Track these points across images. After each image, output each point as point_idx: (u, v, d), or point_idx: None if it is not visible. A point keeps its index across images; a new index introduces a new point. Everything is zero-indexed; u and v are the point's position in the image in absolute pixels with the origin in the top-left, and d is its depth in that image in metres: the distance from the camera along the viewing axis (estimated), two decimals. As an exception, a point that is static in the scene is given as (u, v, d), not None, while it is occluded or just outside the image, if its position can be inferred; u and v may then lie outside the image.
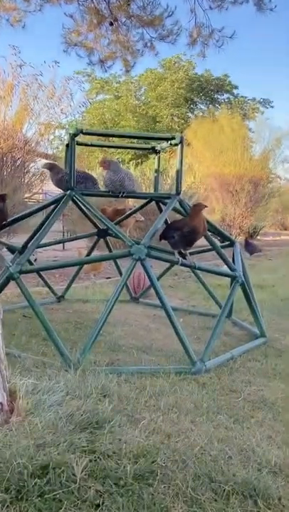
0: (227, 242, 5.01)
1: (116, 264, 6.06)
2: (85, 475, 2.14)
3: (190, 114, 31.28)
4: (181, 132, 22.97)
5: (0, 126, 8.07)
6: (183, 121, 29.27)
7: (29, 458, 2.17)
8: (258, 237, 16.47)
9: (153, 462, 2.31)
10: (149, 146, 5.28)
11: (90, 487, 2.08)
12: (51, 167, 4.67)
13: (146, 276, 5.78)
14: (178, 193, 4.49)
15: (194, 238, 4.00)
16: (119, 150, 25.55)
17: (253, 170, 14.34)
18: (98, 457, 2.27)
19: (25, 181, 8.82)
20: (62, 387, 2.97)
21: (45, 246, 5.89)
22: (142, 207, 5.45)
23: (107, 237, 5.78)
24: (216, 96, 32.45)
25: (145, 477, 2.19)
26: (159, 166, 5.20)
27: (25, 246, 4.97)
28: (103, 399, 2.96)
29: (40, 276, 5.90)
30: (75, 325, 4.91)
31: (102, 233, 5.67)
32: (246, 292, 4.48)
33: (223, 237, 5.01)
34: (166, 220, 4.55)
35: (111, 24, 5.71)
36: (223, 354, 4.04)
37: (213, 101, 32.46)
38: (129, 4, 5.92)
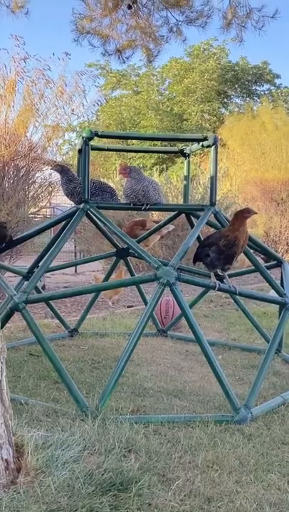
0: (273, 262, 4.96)
1: (139, 290, 6.05)
2: None
3: (223, 110, 31.50)
4: (214, 131, 23.15)
5: (1, 130, 8.21)
6: (215, 118, 29.48)
7: (41, 527, 2.16)
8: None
9: (191, 532, 2.27)
10: (176, 148, 5.31)
11: None
12: (62, 170, 4.69)
13: (175, 304, 5.76)
14: (212, 203, 4.48)
15: (234, 252, 3.94)
16: (140, 154, 25.79)
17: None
18: (124, 526, 2.25)
19: (31, 194, 8.91)
20: (79, 441, 2.95)
21: (54, 270, 5.92)
22: (169, 221, 5.45)
23: (128, 258, 5.78)
24: (254, 88, 32.65)
25: None
26: (188, 172, 5.21)
27: (31, 270, 5.02)
28: (128, 454, 2.93)
29: (50, 306, 5.93)
30: (92, 364, 4.89)
31: (123, 253, 5.68)
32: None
33: (269, 256, 4.97)
34: (198, 236, 4.54)
35: (129, 7, 5.80)
36: (273, 398, 3.97)
37: (250, 93, 32.66)
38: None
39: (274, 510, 2.50)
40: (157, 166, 27.08)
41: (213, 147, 4.44)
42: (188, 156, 5.13)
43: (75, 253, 14.06)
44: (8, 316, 3.87)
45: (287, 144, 14.31)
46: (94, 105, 9.75)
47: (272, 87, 32.61)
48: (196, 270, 5.07)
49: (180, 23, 6.12)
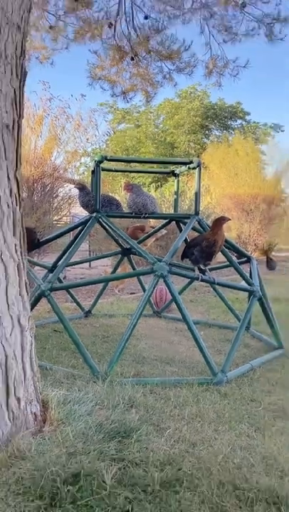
0: (244, 259, 4.94)
1: (139, 280, 6.04)
2: (115, 482, 2.11)
3: (205, 140, 31.30)
4: (198, 157, 23.10)
5: (31, 155, 8.19)
6: (199, 146, 29.35)
7: (62, 466, 2.15)
8: (273, 254, 16.33)
9: (179, 470, 2.26)
10: (168, 170, 5.29)
11: (119, 494, 2.04)
12: (82, 187, 4.67)
13: (167, 292, 5.73)
14: (196, 212, 4.47)
15: (213, 251, 3.93)
16: (140, 174, 25.75)
17: (266, 190, 14.24)
18: (127, 465, 2.24)
19: (54, 205, 8.89)
20: (92, 398, 2.95)
21: (73, 265, 5.90)
22: (162, 226, 5.43)
23: (131, 255, 5.77)
24: (229, 122, 32.49)
25: (172, 484, 2.14)
26: (178, 189, 5.19)
27: (55, 265, 5.00)
28: (130, 409, 2.93)
29: (69, 292, 5.91)
30: (102, 338, 4.88)
31: (126, 252, 5.67)
32: (264, 306, 4.39)
33: (241, 254, 4.96)
34: (186, 239, 4.53)
35: (132, 59, 5.78)
36: (243, 365, 3.96)
37: (226, 127, 32.50)
38: (148, 40, 5.99)
39: (244, 453, 2.49)
40: (154, 184, 27.01)
41: (197, 169, 4.43)
42: (178, 175, 5.11)
43: (89, 251, 13.99)
44: (36, 301, 3.86)
45: (255, 167, 14.30)
46: (104, 135, 9.76)
47: (243, 122, 32.50)
48: (183, 265, 5.05)
49: (172, 71, 6.10)
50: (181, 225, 4.88)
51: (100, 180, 4.32)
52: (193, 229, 4.59)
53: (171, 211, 9.14)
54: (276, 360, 4.24)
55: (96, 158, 4.31)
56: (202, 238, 3.96)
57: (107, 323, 5.63)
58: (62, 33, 6.40)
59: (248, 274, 4.57)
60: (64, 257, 4.33)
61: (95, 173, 4.33)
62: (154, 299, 6.22)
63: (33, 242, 4.59)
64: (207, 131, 32.17)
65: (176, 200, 5.25)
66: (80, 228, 4.61)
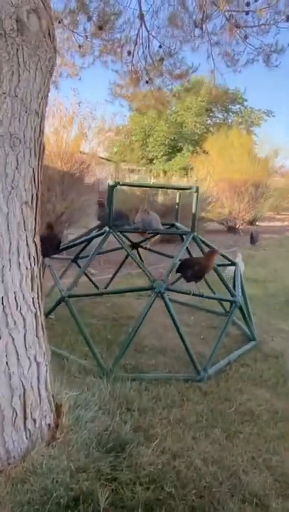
0: (229, 263, 4.71)
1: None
2: (107, 505, 2.05)
3: (209, 121, 29.89)
4: (201, 140, 22.13)
5: (64, 149, 7.80)
6: (203, 126, 28.03)
7: (66, 487, 2.09)
8: (257, 223, 16.06)
9: (162, 489, 2.19)
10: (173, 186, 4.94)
11: (110, 518, 1.98)
12: (101, 204, 4.40)
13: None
14: (193, 230, 4.18)
15: (203, 274, 3.73)
16: (154, 146, 25.00)
17: (255, 176, 13.65)
18: (118, 487, 2.16)
19: (82, 190, 8.56)
20: (97, 401, 2.86)
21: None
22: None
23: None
24: (229, 106, 30.80)
25: (153, 508, 2.08)
26: (179, 200, 4.87)
27: (76, 257, 4.80)
28: (127, 412, 2.83)
29: (86, 275, 5.66)
30: (112, 321, 4.69)
31: (135, 246, 5.32)
32: (242, 311, 4.20)
33: (228, 260, 4.70)
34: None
35: (147, 82, 5.27)
36: (223, 359, 3.80)
37: (227, 110, 30.89)
38: (162, 61, 5.45)
39: (214, 468, 2.40)
40: (164, 157, 26.39)
41: (195, 194, 4.10)
42: (180, 193, 4.76)
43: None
44: (57, 304, 3.74)
45: (247, 157, 13.59)
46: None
47: (241, 107, 30.79)
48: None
49: (180, 91, 5.57)
50: (180, 238, 4.54)
51: (113, 201, 4.02)
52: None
53: (175, 187, 8.76)
54: (249, 353, 4.09)
55: (110, 183, 4.00)
56: (196, 262, 3.73)
57: (117, 302, 5.45)
58: (89, 51, 5.84)
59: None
60: (82, 266, 4.11)
61: (108, 195, 4.03)
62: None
63: (57, 246, 4.38)
64: (211, 114, 30.60)
65: (177, 210, 4.93)
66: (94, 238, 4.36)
